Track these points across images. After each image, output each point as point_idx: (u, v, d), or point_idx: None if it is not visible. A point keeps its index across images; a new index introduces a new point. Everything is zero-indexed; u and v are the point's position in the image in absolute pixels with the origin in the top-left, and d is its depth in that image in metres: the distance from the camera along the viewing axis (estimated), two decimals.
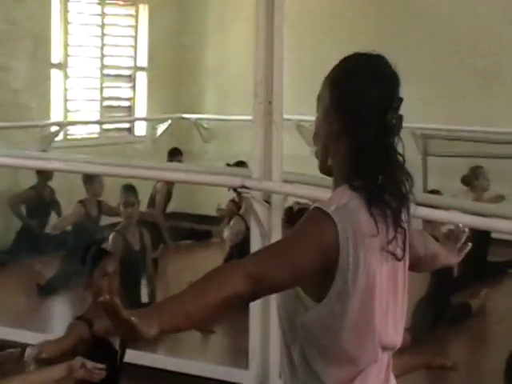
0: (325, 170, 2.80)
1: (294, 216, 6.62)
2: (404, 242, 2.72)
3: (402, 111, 2.71)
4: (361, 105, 2.68)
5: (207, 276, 2.48)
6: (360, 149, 2.67)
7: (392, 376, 2.82)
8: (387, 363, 2.78)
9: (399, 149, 2.73)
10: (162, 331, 2.34)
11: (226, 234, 8.13)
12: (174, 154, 11.34)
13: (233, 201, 8.86)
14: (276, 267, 2.49)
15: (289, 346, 2.72)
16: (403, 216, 2.71)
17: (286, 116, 6.60)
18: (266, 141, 6.43)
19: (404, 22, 10.98)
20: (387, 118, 2.68)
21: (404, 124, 2.74)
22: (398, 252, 2.68)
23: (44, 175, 10.09)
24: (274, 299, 6.15)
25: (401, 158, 2.72)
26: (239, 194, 6.82)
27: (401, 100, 2.71)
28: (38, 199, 10.21)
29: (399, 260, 2.69)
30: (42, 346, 5.31)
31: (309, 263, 2.54)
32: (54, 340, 5.59)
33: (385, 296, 2.66)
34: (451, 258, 3.30)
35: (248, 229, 6.92)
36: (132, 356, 6.07)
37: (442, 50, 10.66)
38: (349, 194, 2.66)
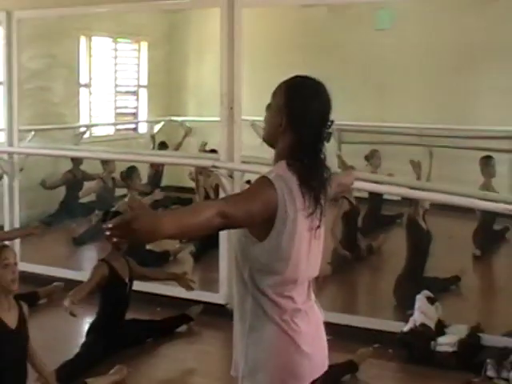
0: (268, 141, 2.81)
1: None
2: (321, 214, 2.73)
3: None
4: (307, 114, 2.69)
5: (191, 206, 2.52)
6: (300, 142, 2.68)
7: (313, 295, 2.85)
8: (308, 285, 2.81)
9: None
10: (166, 236, 2.32)
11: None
12: (163, 146, 11.39)
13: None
14: (238, 210, 2.48)
15: (241, 269, 2.70)
16: (322, 195, 2.73)
17: (243, 117, 6.57)
18: (229, 135, 6.46)
19: (327, 51, 10.97)
20: (323, 126, 2.71)
21: None
22: (315, 222, 2.71)
23: (77, 161, 10.03)
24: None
25: (324, 155, 2.74)
26: (211, 171, 6.79)
27: (332, 121, 2.74)
28: (73, 178, 10.15)
29: (317, 228, 2.73)
30: (72, 295, 5.22)
31: (259, 211, 2.54)
32: (83, 284, 5.54)
33: (304, 240, 2.68)
34: (348, 179, 3.43)
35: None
36: (136, 285, 6.08)
37: (351, 71, 10.66)
38: (285, 168, 2.67)
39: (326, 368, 2.83)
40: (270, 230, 2.61)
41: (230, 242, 6.46)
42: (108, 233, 2.21)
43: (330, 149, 2.83)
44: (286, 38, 11.52)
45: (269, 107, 2.80)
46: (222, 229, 2.50)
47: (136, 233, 2.21)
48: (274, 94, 2.79)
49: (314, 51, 11.08)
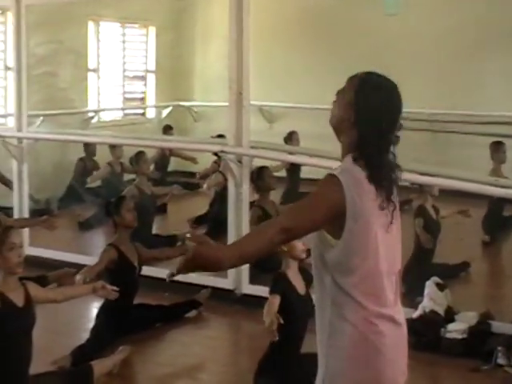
0: (334, 129, 2.71)
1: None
2: (393, 210, 2.65)
3: None
4: (377, 114, 2.60)
5: (254, 231, 2.76)
6: (365, 141, 2.60)
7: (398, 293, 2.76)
8: (395, 282, 2.71)
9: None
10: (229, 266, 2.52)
11: (205, 185, 8.04)
12: (168, 129, 11.30)
13: (215, 162, 8.77)
14: (301, 221, 2.51)
15: (322, 275, 2.63)
16: (393, 194, 2.66)
17: (252, 102, 6.55)
18: (237, 120, 6.43)
19: (335, 36, 10.91)
20: (392, 129, 2.64)
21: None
22: (388, 217, 2.63)
23: (90, 150, 10.02)
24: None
25: (393, 155, 2.67)
26: (219, 156, 6.76)
27: (401, 125, 2.69)
28: (83, 167, 10.13)
29: (390, 223, 2.65)
30: (84, 272, 5.26)
31: (323, 217, 2.53)
32: (92, 265, 5.55)
33: (378, 234, 2.60)
34: None
35: (226, 180, 6.88)
36: (145, 270, 6.06)
37: (360, 56, 10.56)
38: (351, 162, 2.61)
39: (406, 376, 2.71)
40: (343, 228, 2.55)
41: (238, 229, 6.44)
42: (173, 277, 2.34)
43: None
44: (295, 22, 11.44)
45: (340, 93, 2.70)
46: (286, 243, 2.61)
47: (201, 267, 2.41)
48: (347, 86, 2.68)
49: (322, 36, 11.02)
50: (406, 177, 6.24)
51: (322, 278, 2.64)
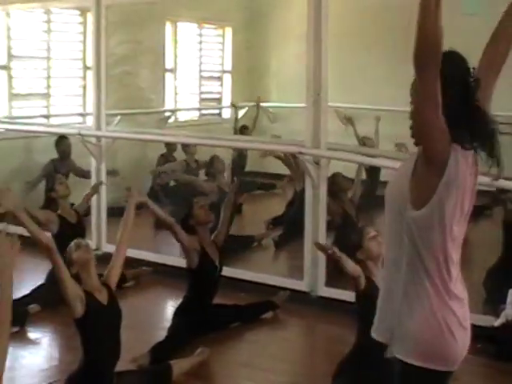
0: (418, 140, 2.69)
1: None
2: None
3: None
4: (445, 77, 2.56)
5: None
6: (448, 105, 2.56)
7: None
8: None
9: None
10: None
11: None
12: (244, 129, 11.34)
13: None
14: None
15: (400, 234, 2.66)
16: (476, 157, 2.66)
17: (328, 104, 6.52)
18: (315, 121, 6.39)
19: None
20: (466, 79, 2.65)
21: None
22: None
23: (171, 147, 10.09)
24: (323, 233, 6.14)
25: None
26: (296, 158, 6.75)
27: (474, 68, 2.70)
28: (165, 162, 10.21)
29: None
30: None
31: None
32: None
33: (466, 198, 2.64)
34: None
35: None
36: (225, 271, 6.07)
37: None
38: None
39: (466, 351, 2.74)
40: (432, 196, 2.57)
41: (315, 231, 6.41)
42: None
43: None
44: (372, 22, 11.32)
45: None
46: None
47: None
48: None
49: (400, 36, 10.85)
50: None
51: (400, 234, 2.66)
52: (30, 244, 7.89)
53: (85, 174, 8.66)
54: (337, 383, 4.54)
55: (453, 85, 2.60)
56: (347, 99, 11.34)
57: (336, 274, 6.30)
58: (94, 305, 4.28)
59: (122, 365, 4.55)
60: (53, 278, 6.44)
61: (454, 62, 2.66)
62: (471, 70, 2.66)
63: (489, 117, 2.64)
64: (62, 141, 9.11)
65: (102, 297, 4.37)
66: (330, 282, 6.37)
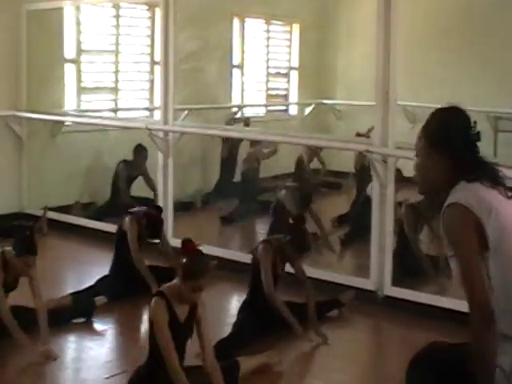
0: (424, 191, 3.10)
1: None
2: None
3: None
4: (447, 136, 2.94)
5: None
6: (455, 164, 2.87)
7: None
8: None
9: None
10: None
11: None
12: None
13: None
14: (471, 257, 2.68)
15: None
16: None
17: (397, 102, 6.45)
18: (383, 119, 6.33)
19: (486, 36, 10.54)
20: (467, 138, 2.91)
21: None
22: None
23: (233, 141, 10.13)
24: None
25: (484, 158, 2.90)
26: (364, 156, 6.69)
27: (476, 122, 2.94)
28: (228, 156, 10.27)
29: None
30: None
31: (476, 240, 2.69)
32: None
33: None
34: None
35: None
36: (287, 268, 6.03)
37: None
38: (464, 184, 2.81)
39: None
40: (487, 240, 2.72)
41: (382, 229, 6.35)
42: None
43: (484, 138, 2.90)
44: (444, 20, 11.14)
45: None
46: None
47: None
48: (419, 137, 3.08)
49: (471, 36, 10.71)
50: None
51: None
52: (92, 235, 8.20)
53: (153, 186, 8.73)
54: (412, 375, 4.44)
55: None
56: (416, 98, 11.24)
57: (403, 274, 6.26)
58: (170, 318, 4.17)
59: (187, 360, 4.55)
60: (116, 269, 6.57)
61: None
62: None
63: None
64: (142, 150, 9.18)
65: (182, 312, 4.24)
66: (396, 282, 6.30)
